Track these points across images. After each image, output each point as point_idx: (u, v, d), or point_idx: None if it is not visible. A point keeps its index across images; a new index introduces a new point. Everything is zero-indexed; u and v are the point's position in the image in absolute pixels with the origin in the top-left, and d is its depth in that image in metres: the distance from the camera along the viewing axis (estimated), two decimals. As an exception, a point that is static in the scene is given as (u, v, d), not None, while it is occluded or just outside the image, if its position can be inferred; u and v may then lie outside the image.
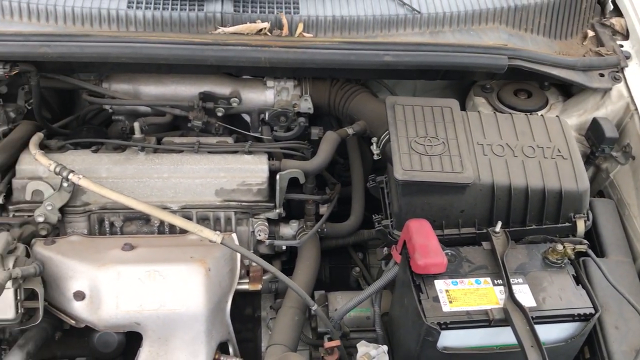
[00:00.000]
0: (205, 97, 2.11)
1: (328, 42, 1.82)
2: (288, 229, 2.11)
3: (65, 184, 1.86)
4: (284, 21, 1.81)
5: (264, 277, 2.02)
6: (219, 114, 2.15)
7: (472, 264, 1.69)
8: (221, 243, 1.72)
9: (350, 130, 2.10)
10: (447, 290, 1.61)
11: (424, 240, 1.64)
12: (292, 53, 1.77)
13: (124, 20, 1.79)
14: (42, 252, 1.81)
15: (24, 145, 1.98)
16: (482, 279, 1.65)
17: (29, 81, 1.94)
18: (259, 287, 2.00)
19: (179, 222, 1.75)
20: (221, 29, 1.82)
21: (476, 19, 1.97)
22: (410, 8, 1.90)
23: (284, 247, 2.10)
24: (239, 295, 1.96)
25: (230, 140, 2.15)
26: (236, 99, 2.14)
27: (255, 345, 2.06)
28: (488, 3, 2.01)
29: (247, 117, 2.28)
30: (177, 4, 1.81)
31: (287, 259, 2.17)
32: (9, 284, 1.62)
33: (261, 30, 1.81)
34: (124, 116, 2.21)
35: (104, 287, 1.74)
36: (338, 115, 2.25)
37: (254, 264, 1.98)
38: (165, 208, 1.95)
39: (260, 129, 2.25)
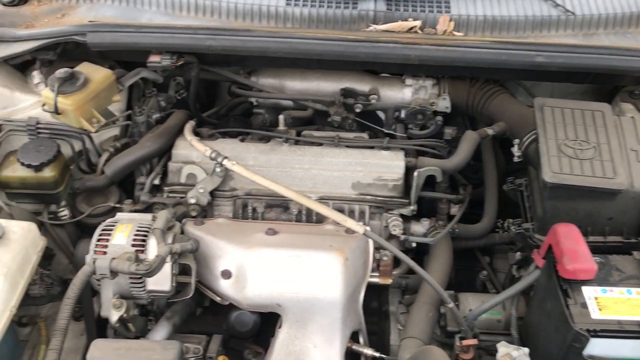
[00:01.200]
0: (346, 93, 2.17)
1: (479, 41, 1.83)
2: (419, 227, 2.12)
3: (218, 170, 1.98)
4: (443, 19, 1.83)
5: (394, 272, 2.06)
6: (357, 110, 2.21)
7: (622, 273, 1.63)
8: (363, 234, 1.77)
9: (490, 131, 2.09)
10: (596, 298, 1.57)
11: (572, 245, 1.61)
12: (442, 51, 1.79)
13: (282, 16, 1.89)
14: (192, 232, 1.93)
15: (179, 132, 2.13)
16: (634, 290, 1.59)
17: (189, 72, 2.08)
18: (389, 281, 2.03)
19: (325, 210, 1.82)
20: (373, 27, 1.88)
21: (633, 21, 1.90)
22: (564, 9, 1.87)
23: (414, 245, 2.12)
24: (366, 289, 2.00)
25: (365, 136, 2.21)
26: (375, 96, 2.19)
27: (382, 338, 2.10)
28: (645, 5, 1.94)
29: (381, 115, 2.33)
30: (332, 2, 1.89)
31: (413, 258, 2.19)
32: (168, 258, 1.76)
33: (412, 28, 1.85)
34: (265, 109, 2.32)
35: (250, 268, 1.84)
36: (475, 115, 2.25)
37: (384, 258, 2.02)
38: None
39: (393, 126, 2.28)
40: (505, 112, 2.10)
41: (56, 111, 1.85)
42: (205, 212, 2.07)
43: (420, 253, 2.13)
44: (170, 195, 2.06)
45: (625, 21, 1.91)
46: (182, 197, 2.04)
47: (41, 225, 1.96)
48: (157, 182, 2.06)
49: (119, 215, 1.90)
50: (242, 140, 2.15)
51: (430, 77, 2.21)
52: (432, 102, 2.19)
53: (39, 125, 2.00)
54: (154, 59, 1.94)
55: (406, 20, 1.86)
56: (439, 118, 2.18)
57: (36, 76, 1.98)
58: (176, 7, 1.92)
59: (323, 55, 1.86)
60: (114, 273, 1.68)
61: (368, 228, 1.94)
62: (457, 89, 2.20)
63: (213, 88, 2.54)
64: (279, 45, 1.82)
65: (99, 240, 1.79)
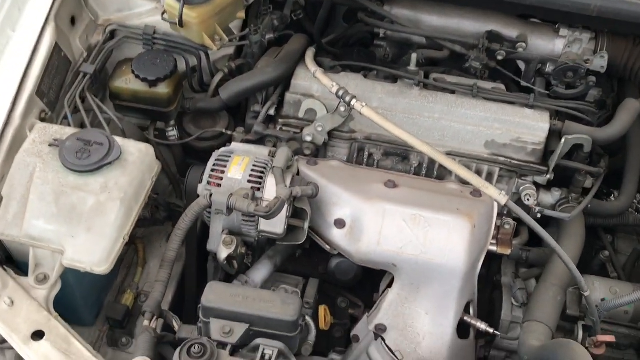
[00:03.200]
0: (491, 37, 1.92)
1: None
2: (549, 197, 1.92)
3: (342, 109, 1.80)
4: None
5: (514, 242, 1.88)
6: (499, 58, 1.96)
7: None
8: (505, 205, 1.59)
9: (655, 98, 1.83)
10: None
11: None
12: (633, 5, 1.51)
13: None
14: (306, 172, 1.79)
15: (300, 59, 1.94)
16: None
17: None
18: (508, 251, 1.85)
19: (464, 173, 1.64)
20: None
21: None
22: None
23: (539, 216, 1.92)
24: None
25: (502, 87, 1.97)
26: (523, 44, 1.93)
27: (488, 309, 1.95)
28: None
29: (521, 65, 2.07)
30: None
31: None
32: (285, 200, 1.63)
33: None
34: (388, 43, 2.10)
35: (368, 221, 1.69)
36: (632, 79, 1.97)
37: (506, 226, 1.84)
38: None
39: (533, 80, 2.03)
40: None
41: (180, 23, 1.68)
42: (318, 151, 1.91)
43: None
44: (285, 128, 1.90)
45: None
46: (296, 132, 1.89)
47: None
48: (272, 112, 1.90)
49: (234, 145, 1.77)
50: (365, 77, 1.96)
51: (588, 30, 1.93)
52: (587, 59, 1.92)
53: (156, 36, 1.84)
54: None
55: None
56: (592, 78, 1.92)
57: (158, -20, 1.80)
58: None
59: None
60: (230, 210, 1.57)
61: (508, 198, 1.74)
62: (617, 47, 1.92)
63: (329, 14, 2.31)
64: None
65: (213, 170, 1.68)
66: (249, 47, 2.05)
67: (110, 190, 1.44)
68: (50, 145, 1.49)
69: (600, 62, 1.91)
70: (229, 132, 1.90)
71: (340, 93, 1.76)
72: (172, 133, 1.91)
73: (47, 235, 1.42)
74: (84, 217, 1.42)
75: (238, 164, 1.69)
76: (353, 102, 1.74)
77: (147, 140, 1.86)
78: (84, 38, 1.82)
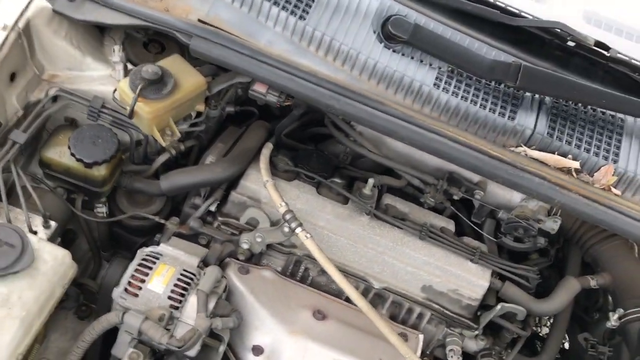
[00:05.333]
0: (451, 180, 1.86)
1: (637, 212, 1.51)
2: (473, 344, 1.89)
3: (286, 229, 1.71)
4: (606, 170, 1.51)
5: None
6: (455, 198, 1.91)
7: None
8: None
9: (593, 282, 1.83)
10: None
11: None
12: (591, 208, 1.49)
13: (423, 97, 1.54)
14: (235, 282, 1.70)
15: (253, 158, 1.83)
16: None
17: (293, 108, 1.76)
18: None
19: (383, 327, 1.57)
20: (524, 149, 1.55)
21: None
22: None
23: (460, 360, 1.90)
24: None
25: (452, 226, 1.93)
26: (481, 192, 1.88)
27: None
28: None
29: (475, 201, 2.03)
30: (487, 102, 1.54)
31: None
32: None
33: (567, 169, 1.52)
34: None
35: (287, 355, 1.62)
36: (577, 245, 1.97)
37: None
38: (365, 281, 1.81)
39: (484, 219, 2.00)
40: (616, 265, 1.83)
41: (130, 116, 1.54)
42: (252, 256, 1.81)
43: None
44: (223, 227, 1.80)
45: None
46: (234, 234, 1.78)
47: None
48: (212, 208, 1.79)
49: (163, 248, 1.65)
50: (319, 187, 1.87)
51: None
52: (540, 218, 1.89)
53: (103, 110, 1.68)
54: (259, 88, 1.62)
55: (564, 156, 1.53)
56: (541, 240, 1.89)
57: (116, 53, 1.64)
58: (305, 37, 1.55)
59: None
60: (141, 334, 1.46)
61: (421, 337, 1.71)
62: (571, 216, 1.90)
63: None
64: (409, 134, 1.50)
65: (133, 276, 1.56)
66: (205, 120, 1.92)
67: (11, 305, 1.30)
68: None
69: (552, 225, 1.88)
70: (162, 221, 1.78)
71: (287, 217, 1.67)
72: (101, 210, 1.77)
73: None
74: (-25, 332, 1.28)
75: (162, 274, 1.58)
76: (298, 230, 1.66)
77: (72, 213, 1.72)
78: (23, 95, 1.64)
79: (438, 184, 1.85)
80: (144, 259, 1.59)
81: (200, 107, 1.71)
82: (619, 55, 1.63)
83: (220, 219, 1.80)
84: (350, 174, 1.98)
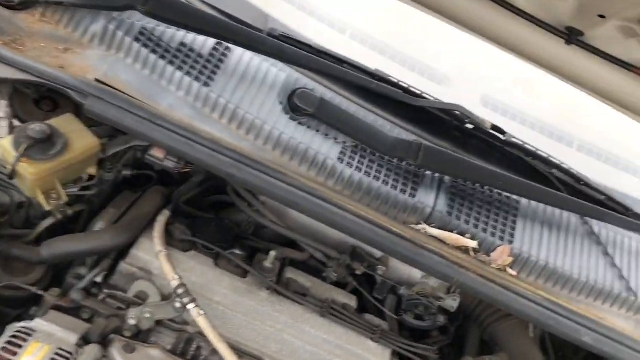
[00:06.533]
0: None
1: (531, 292, 1.54)
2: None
3: (177, 304, 1.59)
4: (502, 250, 1.53)
5: None
6: (358, 273, 1.88)
7: None
8: None
9: (488, 361, 1.83)
10: None
11: None
12: (489, 288, 1.50)
13: (326, 171, 1.53)
14: (118, 361, 1.55)
15: (147, 225, 1.73)
16: None
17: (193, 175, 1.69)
18: None
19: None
20: (423, 226, 1.55)
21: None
22: (627, 285, 1.62)
23: None
24: None
25: (354, 302, 1.89)
26: (384, 268, 1.87)
27: None
28: None
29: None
30: (390, 178, 1.55)
31: None
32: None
33: (466, 248, 1.54)
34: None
35: None
36: (476, 322, 1.98)
37: None
38: (260, 360, 1.71)
39: (386, 295, 1.97)
40: (511, 344, 1.84)
41: (11, 176, 1.41)
42: (139, 333, 1.67)
43: None
44: (109, 300, 1.65)
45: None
46: (121, 308, 1.64)
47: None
48: (98, 279, 1.65)
49: (37, 323, 1.48)
50: (217, 258, 1.78)
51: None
52: (440, 296, 1.89)
53: (-19, 167, 1.54)
54: (157, 153, 1.55)
55: (463, 235, 1.55)
56: (441, 318, 1.88)
57: (1, 108, 1.52)
58: (208, 104, 1.51)
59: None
60: None
61: None
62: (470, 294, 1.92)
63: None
64: (311, 207, 1.46)
65: (2, 349, 1.38)
66: (98, 184, 1.79)
67: None
68: None
69: (452, 303, 1.88)
70: (40, 292, 1.61)
71: (180, 291, 1.56)
72: (-30, 278, 1.59)
73: None
74: None
75: (33, 353, 1.41)
76: (190, 305, 1.55)
77: None
78: None
79: (341, 259, 1.81)
80: (13, 336, 1.42)
81: (92, 170, 1.60)
82: (513, 139, 1.70)
83: (106, 291, 1.65)
84: (252, 244, 1.91)
